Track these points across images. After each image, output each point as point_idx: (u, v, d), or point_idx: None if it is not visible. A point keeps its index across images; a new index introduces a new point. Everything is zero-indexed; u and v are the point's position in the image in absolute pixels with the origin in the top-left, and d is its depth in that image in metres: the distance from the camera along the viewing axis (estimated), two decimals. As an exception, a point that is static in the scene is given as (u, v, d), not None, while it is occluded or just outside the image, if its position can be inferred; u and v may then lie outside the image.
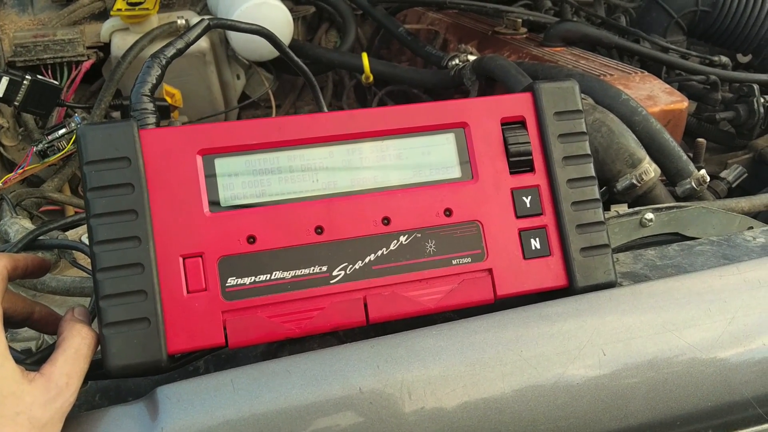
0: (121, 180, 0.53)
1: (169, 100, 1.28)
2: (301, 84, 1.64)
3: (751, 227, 0.80)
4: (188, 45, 0.61)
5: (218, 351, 0.61)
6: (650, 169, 0.89)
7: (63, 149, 1.07)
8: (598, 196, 0.61)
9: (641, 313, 0.58)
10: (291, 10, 1.35)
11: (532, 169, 0.61)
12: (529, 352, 0.55)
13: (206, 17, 0.63)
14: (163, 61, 0.59)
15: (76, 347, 0.50)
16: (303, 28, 1.63)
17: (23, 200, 1.02)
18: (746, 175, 1.03)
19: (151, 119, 0.58)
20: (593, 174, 0.62)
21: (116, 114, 1.23)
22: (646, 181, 0.88)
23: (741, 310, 0.59)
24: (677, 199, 0.92)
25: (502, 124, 0.61)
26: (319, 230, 0.57)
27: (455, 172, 0.60)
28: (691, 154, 1.03)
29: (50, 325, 0.59)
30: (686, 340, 0.57)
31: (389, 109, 0.60)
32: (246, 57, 1.38)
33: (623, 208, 0.79)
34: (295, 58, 0.73)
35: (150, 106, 0.58)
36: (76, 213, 1.12)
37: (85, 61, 1.30)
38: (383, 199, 0.58)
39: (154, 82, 0.59)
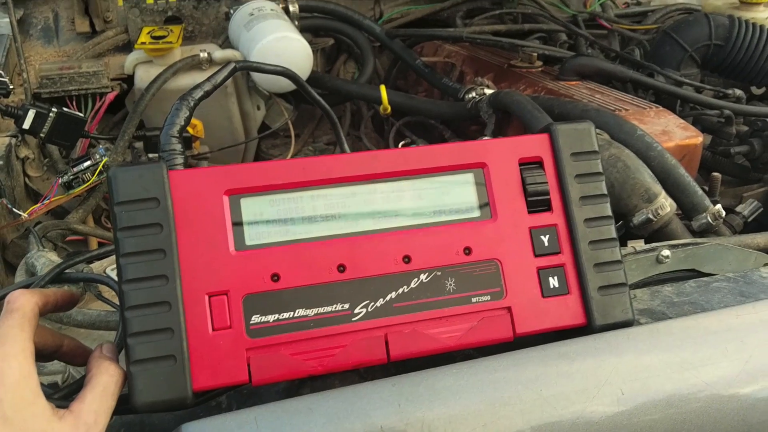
0: (150, 220, 0.54)
1: (191, 131, 1.31)
2: (319, 114, 1.66)
3: (767, 264, 0.80)
4: (215, 87, 0.62)
5: (241, 386, 0.62)
6: (666, 204, 0.89)
7: (88, 181, 1.10)
8: (615, 235, 0.62)
9: (659, 352, 0.59)
10: (310, 42, 1.38)
11: (549, 209, 0.62)
12: (548, 390, 0.56)
13: (233, 61, 0.65)
14: (191, 103, 0.61)
15: (104, 385, 0.52)
16: (322, 59, 1.66)
17: (48, 232, 1.04)
18: (762, 209, 1.03)
19: (179, 160, 0.59)
20: (610, 213, 0.62)
21: (139, 144, 1.26)
22: (662, 216, 0.89)
23: (758, 349, 0.59)
24: (693, 233, 0.92)
25: (520, 164, 0.63)
26: (341, 268, 0.58)
27: (474, 212, 0.62)
28: (706, 188, 1.04)
29: (78, 357, 0.60)
30: (704, 379, 0.58)
31: (410, 150, 0.61)
32: (266, 89, 1.41)
33: (640, 244, 0.80)
34: (317, 97, 0.74)
35: (178, 147, 0.60)
36: (99, 244, 1.14)
37: (109, 92, 1.33)
38: (404, 238, 0.60)
39: (183, 123, 0.60)
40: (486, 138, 1.09)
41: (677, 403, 0.57)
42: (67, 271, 0.74)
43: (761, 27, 1.42)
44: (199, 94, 0.62)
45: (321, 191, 0.59)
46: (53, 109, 1.14)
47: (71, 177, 1.10)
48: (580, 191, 0.62)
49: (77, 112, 1.20)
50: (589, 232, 0.62)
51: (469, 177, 0.62)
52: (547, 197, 0.62)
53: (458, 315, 0.59)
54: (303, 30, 1.47)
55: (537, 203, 0.62)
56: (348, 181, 0.60)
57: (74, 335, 0.67)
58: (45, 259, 0.81)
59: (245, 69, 0.66)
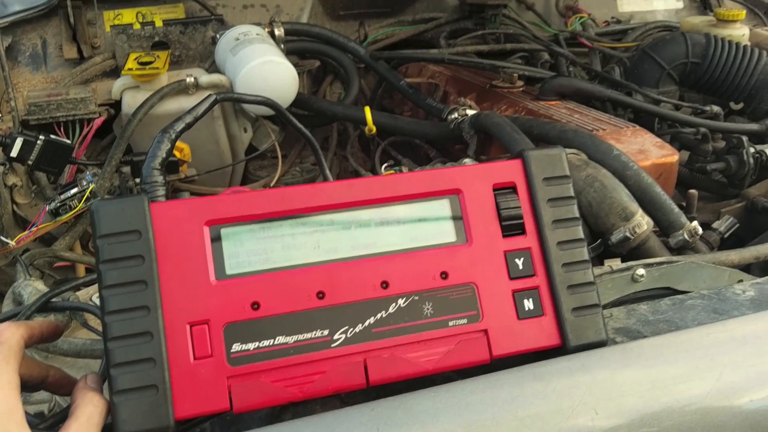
0: (132, 252, 0.56)
1: (178, 154, 1.32)
2: (306, 135, 1.67)
3: (741, 280, 0.82)
4: (197, 119, 0.64)
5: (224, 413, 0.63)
6: (643, 222, 0.91)
7: (75, 208, 1.11)
8: (587, 257, 0.64)
9: (632, 372, 0.60)
10: (296, 65, 1.39)
11: (523, 232, 0.64)
12: (523, 411, 0.57)
13: (214, 93, 0.67)
14: (173, 136, 0.63)
15: (88, 415, 0.53)
16: (308, 81, 1.68)
17: (36, 260, 1.05)
18: (737, 225, 1.05)
19: (161, 192, 0.61)
20: (582, 236, 0.64)
21: (126, 169, 1.27)
22: (640, 234, 0.91)
23: (728, 367, 0.61)
24: (671, 250, 0.94)
25: (495, 190, 0.64)
26: (320, 295, 0.59)
27: (450, 237, 0.63)
28: (684, 204, 1.06)
29: (64, 387, 0.62)
30: (676, 398, 0.59)
31: (386, 177, 0.63)
32: (252, 111, 1.42)
33: (616, 263, 0.82)
34: (298, 124, 0.76)
35: (160, 179, 0.61)
36: (87, 270, 1.16)
37: (97, 118, 1.34)
38: (382, 264, 0.61)
39: (164, 155, 0.62)
40: (468, 159, 1.11)
41: (650, 422, 0.58)
42: (53, 300, 0.75)
43: (737, 44, 1.44)
44: (180, 126, 0.63)
45: (299, 220, 0.60)
46: (41, 137, 1.15)
47: (58, 204, 1.11)
48: (553, 215, 0.64)
49: (64, 139, 1.22)
50: (562, 255, 0.64)
51: (444, 203, 0.64)
52: (521, 221, 0.64)
53: (436, 339, 0.61)
54: (289, 53, 1.48)
55: (511, 227, 0.64)
56: (326, 209, 0.61)
57: (60, 364, 0.68)
58: (32, 288, 0.82)
59: (226, 100, 0.68)
